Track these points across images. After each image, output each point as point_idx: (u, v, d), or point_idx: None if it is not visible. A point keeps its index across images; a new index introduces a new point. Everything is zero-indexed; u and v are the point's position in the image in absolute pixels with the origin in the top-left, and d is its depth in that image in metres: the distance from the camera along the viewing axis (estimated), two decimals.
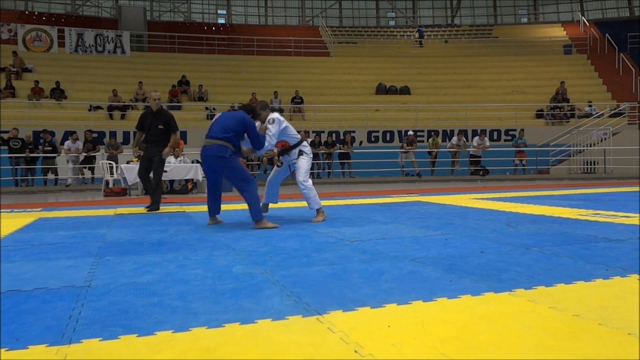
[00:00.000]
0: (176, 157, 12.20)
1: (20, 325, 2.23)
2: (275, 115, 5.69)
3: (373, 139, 18.50)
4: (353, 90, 21.66)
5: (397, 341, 1.98)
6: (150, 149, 7.26)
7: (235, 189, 5.68)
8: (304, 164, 5.82)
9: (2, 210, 7.43)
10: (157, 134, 7.22)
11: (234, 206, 7.53)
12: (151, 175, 7.29)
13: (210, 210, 5.76)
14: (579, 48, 25.38)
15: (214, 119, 5.66)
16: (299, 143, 5.84)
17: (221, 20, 32.56)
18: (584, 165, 17.64)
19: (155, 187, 7.40)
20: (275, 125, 5.59)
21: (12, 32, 21.49)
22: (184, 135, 15.66)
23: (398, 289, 2.76)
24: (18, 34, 21.06)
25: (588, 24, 27.17)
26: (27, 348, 1.97)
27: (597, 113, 19.19)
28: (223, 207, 5.96)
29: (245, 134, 5.45)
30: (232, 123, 5.38)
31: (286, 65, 23.38)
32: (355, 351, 1.88)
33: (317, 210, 5.89)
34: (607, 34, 24.86)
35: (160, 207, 7.39)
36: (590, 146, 17.60)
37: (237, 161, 5.44)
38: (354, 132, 17.82)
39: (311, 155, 5.98)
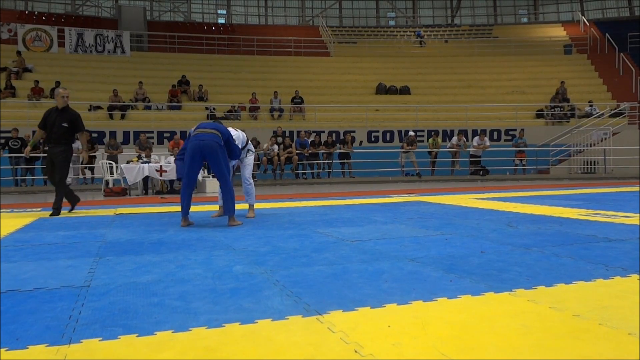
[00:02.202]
0: (175, 157, 12.20)
1: (20, 325, 2.23)
2: (234, 133, 6.07)
3: (373, 139, 18.49)
4: (353, 90, 21.66)
5: (397, 341, 1.98)
6: (52, 149, 6.81)
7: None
8: (251, 161, 6.46)
9: (2, 210, 7.43)
10: (60, 132, 6.79)
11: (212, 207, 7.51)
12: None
13: (185, 209, 5.59)
14: (579, 48, 25.38)
15: (195, 127, 5.78)
16: (247, 143, 6.38)
17: (221, 20, 32.56)
18: (584, 165, 17.64)
19: (57, 190, 6.87)
20: (238, 142, 6.07)
21: (12, 32, 21.48)
22: (183, 136, 15.65)
23: (398, 289, 2.76)
24: (18, 34, 21.06)
25: (588, 24, 27.17)
26: (27, 348, 1.97)
27: (597, 113, 19.19)
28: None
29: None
30: (218, 127, 5.67)
31: (286, 65, 23.38)
32: (355, 351, 1.88)
33: (251, 206, 6.40)
34: (607, 34, 24.85)
35: (66, 211, 7.04)
36: (591, 146, 17.59)
37: (227, 159, 5.64)
38: (354, 132, 17.81)
39: (254, 151, 6.73)
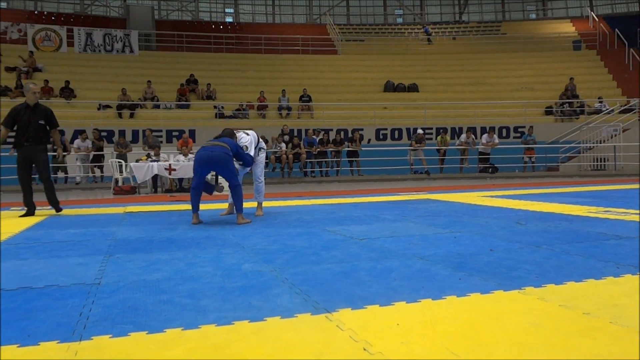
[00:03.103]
0: (185, 155, 12.25)
1: (32, 322, 2.25)
2: (245, 139, 6.14)
3: (381, 137, 18.45)
4: (361, 88, 21.62)
5: (406, 339, 1.98)
6: (30, 148, 6.42)
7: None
8: (263, 159, 6.52)
9: (12, 208, 7.48)
10: (37, 130, 6.45)
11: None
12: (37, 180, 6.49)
13: (195, 207, 5.75)
14: (589, 44, 25.17)
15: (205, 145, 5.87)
16: (259, 142, 6.42)
17: (229, 19, 32.59)
18: (593, 162, 17.51)
19: (47, 187, 6.60)
20: (251, 147, 6.13)
21: (21, 31, 21.64)
22: (192, 134, 15.71)
23: (407, 287, 2.75)
24: (28, 34, 21.20)
25: (597, 19, 26.94)
26: (39, 344, 1.99)
27: (607, 109, 19.04)
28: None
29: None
30: (227, 142, 5.78)
31: (294, 64, 23.37)
32: (364, 349, 1.88)
33: (260, 204, 6.45)
34: (616, 29, 24.61)
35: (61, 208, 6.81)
36: (600, 143, 17.46)
37: (234, 165, 5.83)
38: (362, 130, 17.78)
39: (265, 148, 6.74)
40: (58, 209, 6.77)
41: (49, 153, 6.83)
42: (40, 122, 6.49)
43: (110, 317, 2.31)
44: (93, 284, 2.93)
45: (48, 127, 6.62)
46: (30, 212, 6.62)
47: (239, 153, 5.87)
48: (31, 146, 6.43)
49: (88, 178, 14.51)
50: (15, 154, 6.54)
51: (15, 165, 6.55)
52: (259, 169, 6.44)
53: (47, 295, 2.70)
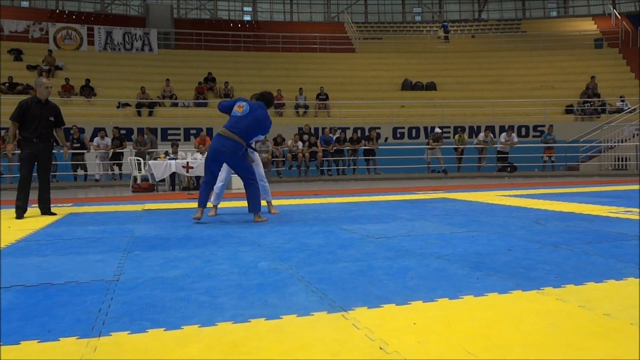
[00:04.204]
0: (202, 153, 12.33)
1: (52, 318, 2.28)
2: None
3: (399, 135, 18.38)
4: (378, 87, 21.55)
5: (422, 338, 1.97)
6: (38, 145, 6.21)
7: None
8: (259, 160, 6.30)
9: (33, 205, 7.59)
10: (47, 127, 6.30)
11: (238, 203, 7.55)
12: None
13: (203, 201, 5.58)
14: (610, 42, 24.79)
15: (238, 105, 5.53)
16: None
17: (247, 17, 32.73)
18: (615, 161, 17.25)
19: (46, 186, 6.39)
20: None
21: (43, 30, 21.99)
22: (210, 132, 15.78)
23: (424, 286, 2.74)
24: (49, 33, 21.51)
25: (620, 17, 26.50)
26: (59, 340, 2.01)
27: (628, 108, 18.73)
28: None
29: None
30: (256, 127, 5.55)
31: (311, 62, 23.37)
32: (380, 348, 1.88)
33: (269, 202, 6.21)
34: (639, 28, 24.21)
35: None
36: (622, 142, 17.19)
37: (247, 159, 5.66)
38: (379, 128, 17.73)
39: (268, 150, 6.46)
40: (49, 211, 6.42)
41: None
42: (50, 118, 6.35)
43: (128, 314, 2.33)
44: (112, 281, 2.96)
45: (55, 125, 6.48)
46: (22, 214, 6.22)
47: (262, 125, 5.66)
48: (40, 143, 6.25)
49: (107, 176, 14.67)
50: (18, 151, 6.41)
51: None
52: (261, 168, 6.29)
53: (66, 292, 2.74)
